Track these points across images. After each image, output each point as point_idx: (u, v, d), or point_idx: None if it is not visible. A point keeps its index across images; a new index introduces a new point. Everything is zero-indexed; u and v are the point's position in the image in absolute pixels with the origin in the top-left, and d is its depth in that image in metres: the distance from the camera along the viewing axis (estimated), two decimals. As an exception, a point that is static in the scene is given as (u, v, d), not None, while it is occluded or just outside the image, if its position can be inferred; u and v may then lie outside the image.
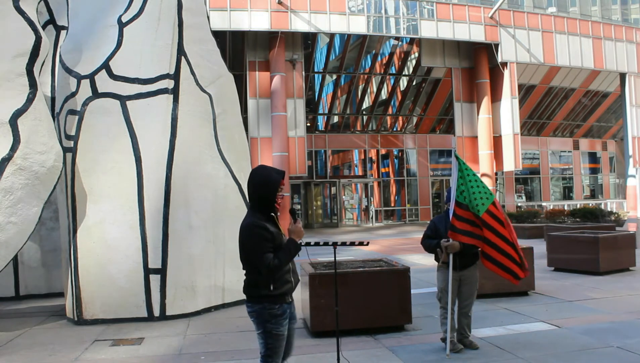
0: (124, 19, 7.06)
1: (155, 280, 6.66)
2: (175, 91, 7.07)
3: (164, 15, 7.16)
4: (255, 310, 3.23)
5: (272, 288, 3.17)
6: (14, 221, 5.83)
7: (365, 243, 4.42)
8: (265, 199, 3.22)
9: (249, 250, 3.18)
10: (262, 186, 3.22)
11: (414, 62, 25.69)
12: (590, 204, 23.86)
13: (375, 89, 26.52)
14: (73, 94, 6.90)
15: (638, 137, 26.26)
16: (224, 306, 7.30)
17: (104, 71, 6.88)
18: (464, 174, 5.10)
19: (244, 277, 3.37)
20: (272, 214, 3.26)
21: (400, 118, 27.44)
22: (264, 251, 3.11)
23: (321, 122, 27.06)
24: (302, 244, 4.11)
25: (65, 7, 7.81)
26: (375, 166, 27.03)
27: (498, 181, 26.45)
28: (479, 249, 5.11)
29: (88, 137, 6.77)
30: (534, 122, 28.80)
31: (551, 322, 6.08)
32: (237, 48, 22.71)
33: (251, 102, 21.71)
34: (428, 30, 22.24)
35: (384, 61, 25.76)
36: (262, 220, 3.19)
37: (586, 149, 31.28)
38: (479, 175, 5.25)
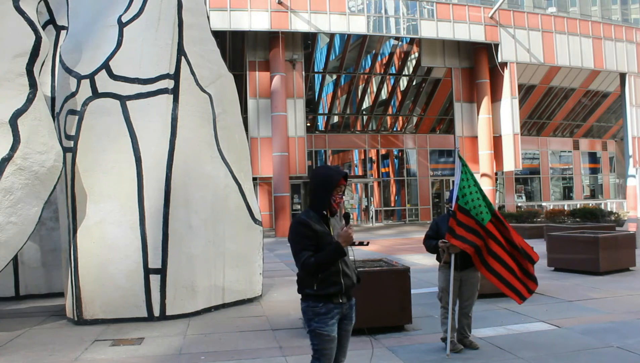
0: (124, 19, 7.05)
1: (155, 280, 6.66)
2: (175, 91, 7.07)
3: (164, 15, 7.16)
4: (302, 308, 3.19)
5: (315, 287, 3.11)
6: (14, 221, 5.82)
7: (365, 243, 4.41)
8: (320, 197, 3.19)
9: (291, 245, 3.17)
10: (320, 184, 3.20)
11: (414, 62, 25.70)
12: (590, 205, 23.86)
13: (375, 89, 26.52)
14: (73, 94, 6.89)
15: (638, 137, 26.26)
16: (224, 306, 7.29)
17: (104, 71, 6.88)
18: (469, 178, 5.08)
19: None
20: (324, 213, 3.21)
21: (400, 118, 27.44)
22: (301, 248, 3.08)
23: (321, 122, 27.06)
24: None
25: (65, 7, 7.80)
26: (375, 166, 27.03)
27: (498, 181, 26.46)
28: (481, 256, 5.08)
29: (88, 137, 6.77)
30: (534, 122, 28.80)
31: (551, 322, 6.08)
32: (237, 48, 22.71)
33: (251, 102, 21.71)
34: (428, 30, 22.24)
35: (384, 61, 25.77)
36: (310, 218, 3.16)
37: (586, 149, 31.29)
38: (478, 175, 5.24)
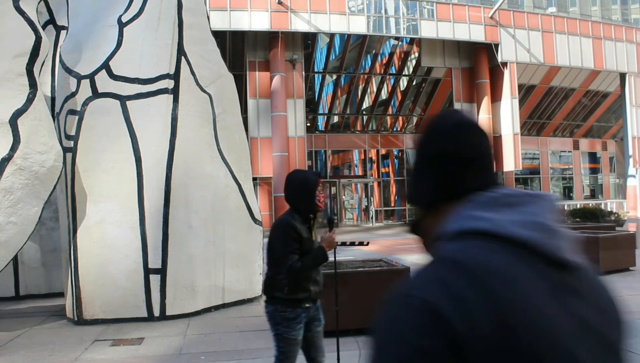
0: (124, 19, 7.06)
1: (155, 280, 6.66)
2: (175, 91, 7.07)
3: (164, 15, 7.16)
4: (268, 312, 3.21)
5: (285, 291, 3.12)
6: (14, 221, 5.82)
7: (365, 243, 4.42)
8: (306, 200, 3.22)
9: (275, 247, 3.16)
10: (301, 188, 3.23)
11: (414, 62, 25.70)
12: (590, 204, 23.85)
13: (375, 89, 26.52)
14: (73, 94, 6.90)
15: (638, 137, 26.26)
16: (223, 306, 7.29)
17: (104, 71, 6.89)
18: None
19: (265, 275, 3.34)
20: (310, 216, 3.26)
21: (400, 118, 27.44)
22: (289, 251, 3.08)
23: (321, 122, 27.05)
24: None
25: (65, 7, 7.81)
26: (375, 166, 27.03)
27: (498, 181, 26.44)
28: None
29: (88, 137, 6.77)
30: (534, 122, 28.80)
31: (551, 322, 6.08)
32: (237, 48, 22.70)
33: (251, 102, 21.71)
34: (428, 30, 22.24)
35: (384, 61, 25.76)
36: (295, 221, 3.18)
37: (586, 149, 31.28)
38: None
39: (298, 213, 3.23)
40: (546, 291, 0.78)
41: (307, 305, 3.22)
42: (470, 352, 0.71)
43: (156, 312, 6.65)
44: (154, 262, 6.66)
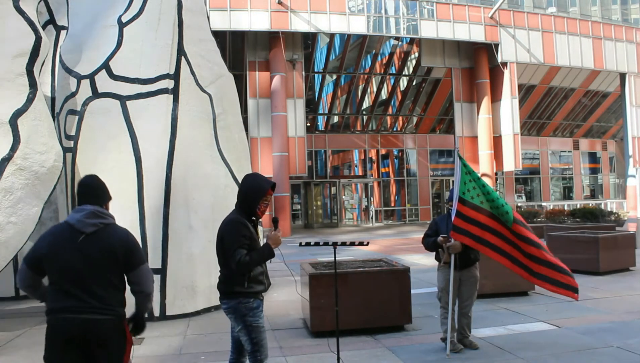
0: (124, 19, 7.06)
1: (155, 280, 6.64)
2: (175, 91, 7.07)
3: (164, 15, 7.16)
4: (231, 306, 3.30)
5: (246, 285, 3.26)
6: (14, 221, 5.83)
7: (365, 243, 4.42)
8: (250, 203, 3.37)
9: (226, 243, 3.26)
10: (251, 191, 3.39)
11: (414, 62, 25.70)
12: (590, 205, 23.85)
13: (375, 89, 26.52)
14: (73, 94, 6.90)
15: (638, 137, 26.26)
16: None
17: (104, 71, 6.89)
18: (471, 172, 5.04)
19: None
20: (253, 218, 3.40)
21: (400, 118, 27.44)
22: (239, 246, 3.20)
23: (321, 122, 27.06)
24: (303, 244, 4.15)
25: (65, 7, 7.81)
26: (375, 166, 27.03)
27: (498, 181, 26.46)
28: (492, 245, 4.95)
29: (88, 137, 6.77)
30: (534, 122, 28.80)
31: (551, 322, 6.08)
32: (237, 48, 22.71)
33: (251, 102, 21.71)
34: (428, 30, 22.24)
35: (384, 61, 25.77)
36: (245, 219, 3.34)
37: (586, 149, 31.29)
38: (478, 175, 5.19)
39: (244, 213, 3.38)
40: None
41: (261, 298, 3.39)
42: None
43: (156, 312, 6.64)
44: (154, 262, 6.65)
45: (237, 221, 3.30)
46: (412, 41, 24.53)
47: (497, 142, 24.10)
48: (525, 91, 26.11)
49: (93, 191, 2.93)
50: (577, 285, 4.93)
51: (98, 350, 2.65)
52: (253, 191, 3.39)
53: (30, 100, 6.08)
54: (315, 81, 25.74)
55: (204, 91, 7.45)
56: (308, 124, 24.50)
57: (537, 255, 4.89)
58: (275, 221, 3.44)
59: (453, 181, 5.35)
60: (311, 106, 25.39)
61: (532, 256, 4.90)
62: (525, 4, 24.48)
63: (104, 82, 6.87)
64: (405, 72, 26.17)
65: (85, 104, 6.81)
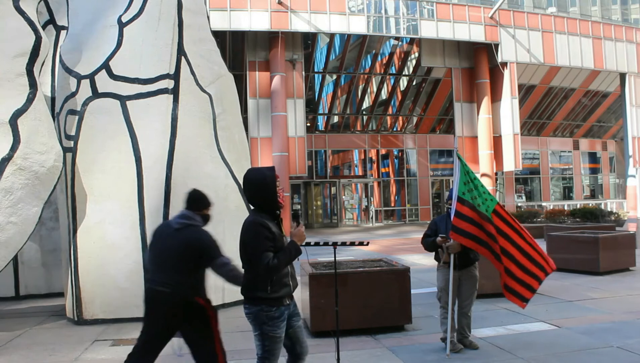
0: (124, 19, 7.06)
1: (155, 280, 6.66)
2: (175, 91, 7.07)
3: (164, 15, 7.16)
4: (252, 312, 3.21)
5: (269, 290, 3.15)
6: (14, 221, 5.82)
7: (365, 243, 4.42)
8: (267, 198, 3.24)
9: (249, 248, 3.17)
10: (261, 187, 3.25)
11: (414, 62, 25.69)
12: (590, 204, 23.85)
13: (375, 89, 26.52)
14: (73, 94, 6.90)
15: (638, 137, 26.25)
16: (223, 306, 7.28)
17: (104, 71, 6.88)
18: (469, 172, 5.04)
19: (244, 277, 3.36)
20: (277, 212, 3.27)
21: (400, 118, 27.44)
22: (263, 250, 3.09)
23: (321, 122, 27.06)
24: (303, 244, 4.12)
25: (65, 7, 7.81)
26: (375, 166, 27.03)
27: (498, 181, 26.45)
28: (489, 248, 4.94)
29: (88, 137, 6.77)
30: (534, 122, 28.80)
31: (551, 322, 6.08)
32: (237, 48, 22.71)
33: (251, 102, 21.71)
34: (428, 30, 22.24)
35: (384, 61, 25.77)
36: (265, 219, 3.19)
37: (586, 149, 31.28)
38: (478, 175, 5.21)
39: (263, 211, 3.25)
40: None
41: (287, 303, 3.27)
42: None
43: (156, 312, 6.64)
44: (154, 262, 6.65)
45: (255, 223, 3.16)
46: (412, 41, 24.52)
47: (497, 142, 24.09)
48: (525, 91, 26.11)
49: (189, 200, 3.77)
50: (530, 296, 4.89)
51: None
52: (262, 185, 3.24)
53: (30, 100, 6.08)
54: (315, 81, 25.74)
55: (204, 91, 7.45)
56: (308, 124, 24.50)
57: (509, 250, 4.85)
58: (296, 216, 3.33)
59: (453, 181, 5.35)
60: (311, 106, 25.39)
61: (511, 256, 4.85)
62: (525, 4, 24.48)
63: (104, 82, 6.87)
64: (405, 72, 26.17)
65: (85, 104, 6.81)
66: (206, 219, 3.82)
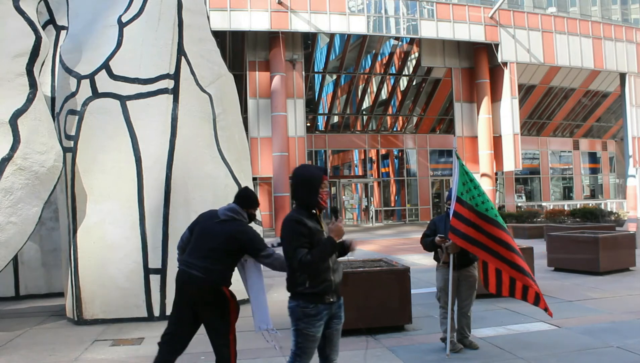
0: (124, 19, 7.05)
1: (155, 280, 6.66)
2: (175, 91, 7.07)
3: (164, 15, 7.16)
4: (290, 307, 3.22)
5: (307, 285, 3.13)
6: (14, 221, 5.82)
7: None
8: (307, 195, 3.23)
9: (285, 244, 3.18)
10: (305, 184, 3.24)
11: (414, 62, 25.70)
12: (590, 205, 23.86)
13: (375, 89, 26.53)
14: (73, 94, 6.89)
15: (638, 137, 26.26)
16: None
17: (104, 71, 6.88)
18: (467, 172, 5.03)
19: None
20: (313, 211, 3.24)
21: (400, 118, 27.44)
22: (297, 246, 3.08)
23: (321, 122, 27.06)
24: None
25: (65, 7, 7.81)
26: (375, 166, 27.04)
27: (498, 181, 26.46)
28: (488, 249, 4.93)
29: (88, 137, 6.77)
30: (534, 122, 28.81)
31: (551, 322, 6.08)
32: (237, 48, 22.71)
33: (251, 102, 21.71)
34: (428, 30, 22.25)
35: (384, 61, 25.77)
36: (302, 216, 3.18)
37: (586, 149, 31.29)
38: (478, 175, 5.21)
39: (304, 208, 3.24)
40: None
41: (331, 300, 3.20)
42: None
43: (156, 312, 6.64)
44: (154, 262, 6.66)
45: (291, 219, 3.16)
46: (412, 41, 24.53)
47: (497, 142, 24.10)
48: (525, 91, 26.12)
49: (239, 197, 4.01)
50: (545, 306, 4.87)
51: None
52: (307, 183, 3.22)
53: (30, 100, 6.08)
54: (315, 81, 25.74)
55: (204, 91, 7.45)
56: (308, 124, 24.51)
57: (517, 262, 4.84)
58: (335, 211, 3.24)
59: (452, 181, 5.35)
60: (311, 106, 25.39)
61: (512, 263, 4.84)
62: (525, 4, 24.48)
63: (104, 82, 6.87)
64: (405, 72, 26.17)
65: (85, 104, 6.81)
66: (251, 218, 4.03)
